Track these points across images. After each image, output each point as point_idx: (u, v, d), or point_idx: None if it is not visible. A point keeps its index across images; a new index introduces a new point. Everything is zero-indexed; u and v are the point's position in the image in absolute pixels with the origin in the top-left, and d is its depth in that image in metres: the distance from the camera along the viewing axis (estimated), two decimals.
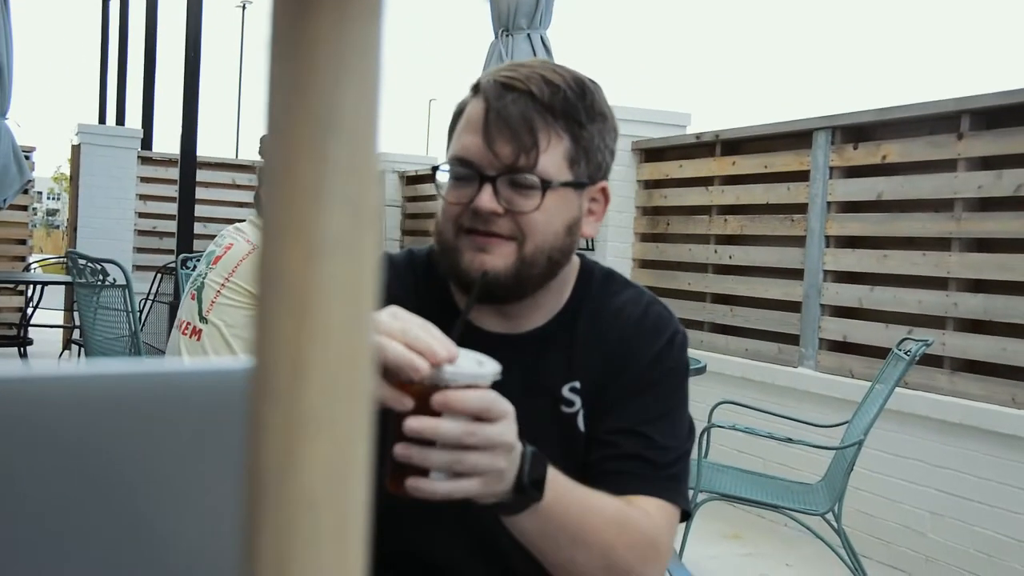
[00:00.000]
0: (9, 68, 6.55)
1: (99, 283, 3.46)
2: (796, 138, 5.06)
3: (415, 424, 0.97)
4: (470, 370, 0.99)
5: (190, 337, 3.03)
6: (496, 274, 1.25)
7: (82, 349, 6.71)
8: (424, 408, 0.97)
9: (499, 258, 1.26)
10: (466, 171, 1.27)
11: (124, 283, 3.16)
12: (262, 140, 2.63)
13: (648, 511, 1.25)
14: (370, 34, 0.32)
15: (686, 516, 1.35)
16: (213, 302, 2.99)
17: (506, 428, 1.03)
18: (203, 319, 3.02)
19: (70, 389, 0.48)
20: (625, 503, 1.25)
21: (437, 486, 0.99)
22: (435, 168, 1.33)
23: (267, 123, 0.32)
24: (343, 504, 0.32)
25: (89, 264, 3.51)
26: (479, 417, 1.00)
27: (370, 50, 0.32)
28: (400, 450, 0.98)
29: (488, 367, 1.02)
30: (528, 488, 1.07)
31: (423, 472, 0.99)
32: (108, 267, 3.51)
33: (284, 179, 0.31)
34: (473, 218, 1.26)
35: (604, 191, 1.36)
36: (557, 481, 1.13)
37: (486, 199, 1.24)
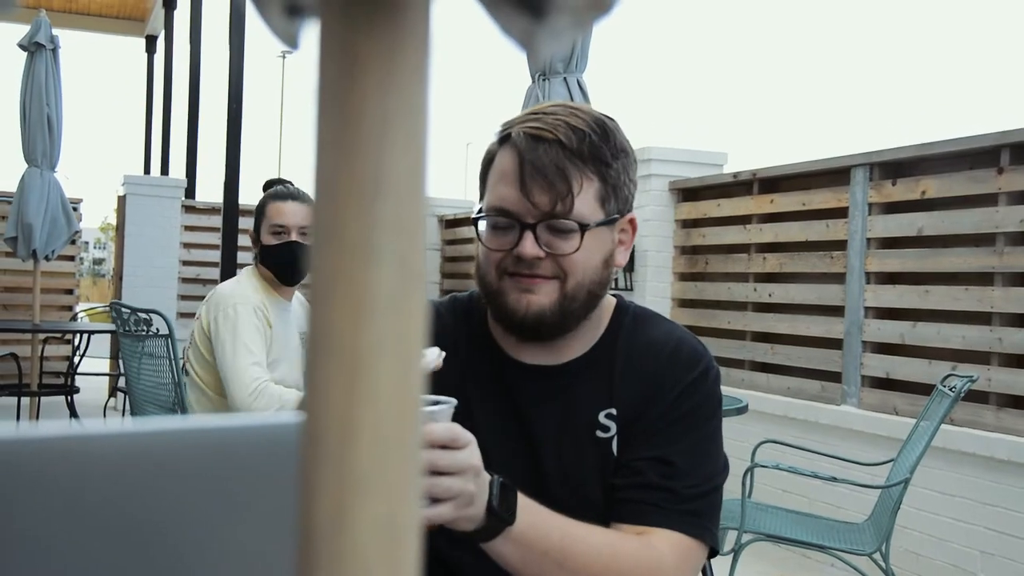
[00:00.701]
0: (58, 123, 6.69)
1: (143, 333, 3.50)
2: (834, 175, 5.03)
3: None
4: (429, 407, 1.09)
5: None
6: (542, 311, 1.32)
7: (126, 396, 6.78)
8: None
9: (544, 296, 1.32)
10: (506, 220, 1.33)
11: (167, 332, 3.19)
12: (264, 187, 2.63)
13: (654, 543, 1.27)
14: (416, 94, 0.32)
15: (715, 553, 1.37)
16: (187, 349, 3.05)
17: (471, 453, 1.10)
18: (184, 370, 3.07)
19: (114, 447, 0.48)
20: (622, 534, 1.28)
21: None
22: (475, 218, 1.38)
23: (315, 183, 0.32)
24: (395, 562, 0.32)
25: (133, 314, 3.56)
26: (446, 446, 1.08)
27: (416, 110, 0.32)
28: None
29: (445, 399, 1.12)
30: (499, 511, 1.14)
31: None
32: (151, 316, 3.55)
33: (332, 239, 0.32)
34: (516, 263, 1.32)
35: (632, 222, 1.42)
36: (532, 509, 1.19)
37: (528, 246, 1.30)
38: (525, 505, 1.17)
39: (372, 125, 0.32)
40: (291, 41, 0.38)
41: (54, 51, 6.67)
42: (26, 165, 6.71)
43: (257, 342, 2.87)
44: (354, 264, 0.31)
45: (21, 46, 6.63)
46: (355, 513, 0.31)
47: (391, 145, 0.32)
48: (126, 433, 0.50)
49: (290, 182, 3.11)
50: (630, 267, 6.09)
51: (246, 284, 3.00)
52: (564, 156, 1.30)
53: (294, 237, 2.95)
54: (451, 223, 9.20)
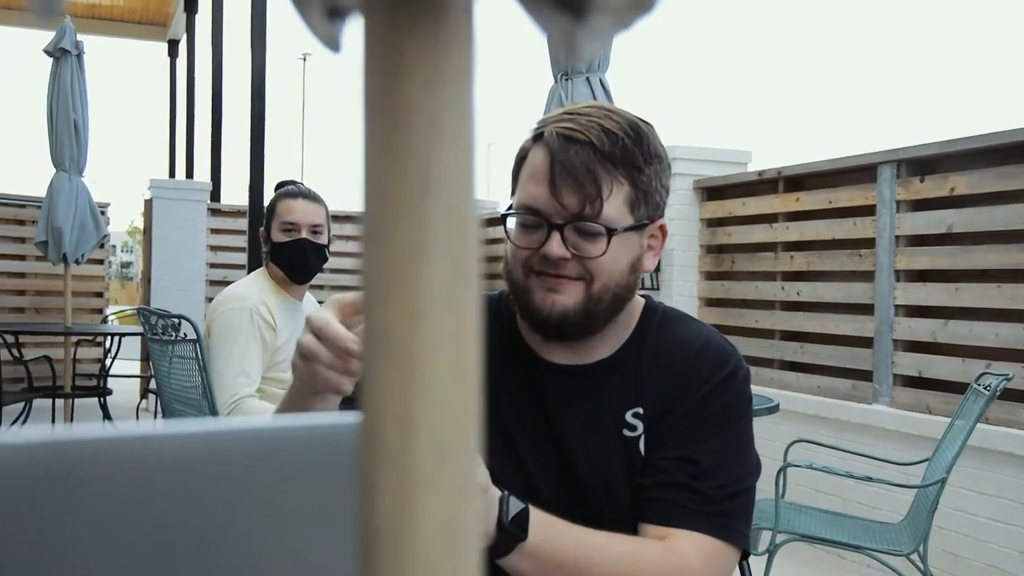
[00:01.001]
0: (85, 128, 6.74)
1: (171, 337, 3.52)
2: (860, 172, 5.00)
3: None
4: None
5: None
6: (566, 311, 1.32)
7: (157, 398, 6.84)
8: None
9: (568, 297, 1.32)
10: (534, 219, 1.32)
11: (195, 337, 3.21)
12: (276, 188, 2.60)
13: (677, 547, 1.26)
14: (462, 93, 0.32)
15: (747, 555, 1.35)
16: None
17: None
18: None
19: (155, 448, 0.48)
20: (644, 541, 1.27)
21: None
22: (504, 215, 1.38)
23: (363, 184, 0.32)
24: (458, 562, 0.32)
25: (161, 319, 3.58)
26: None
27: (463, 109, 0.32)
28: None
29: None
30: (510, 527, 1.13)
31: None
32: (180, 320, 3.58)
33: (384, 239, 0.32)
34: (543, 262, 1.32)
35: (662, 228, 1.41)
36: (546, 522, 1.18)
37: (555, 246, 1.30)
38: (539, 519, 1.17)
39: (420, 125, 0.32)
40: (332, 44, 0.38)
41: (79, 56, 6.72)
42: (54, 170, 6.77)
43: (252, 350, 2.85)
44: (406, 264, 0.31)
45: (47, 52, 6.69)
46: (416, 514, 0.31)
47: (439, 144, 0.32)
48: (168, 435, 0.50)
49: (301, 183, 3.13)
50: (656, 267, 6.09)
51: (253, 285, 3.00)
52: (595, 159, 1.29)
53: (304, 235, 2.96)
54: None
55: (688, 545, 1.26)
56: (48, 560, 0.45)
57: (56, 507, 0.45)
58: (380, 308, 0.32)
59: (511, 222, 1.37)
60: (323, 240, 3.01)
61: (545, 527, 1.17)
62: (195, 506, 0.50)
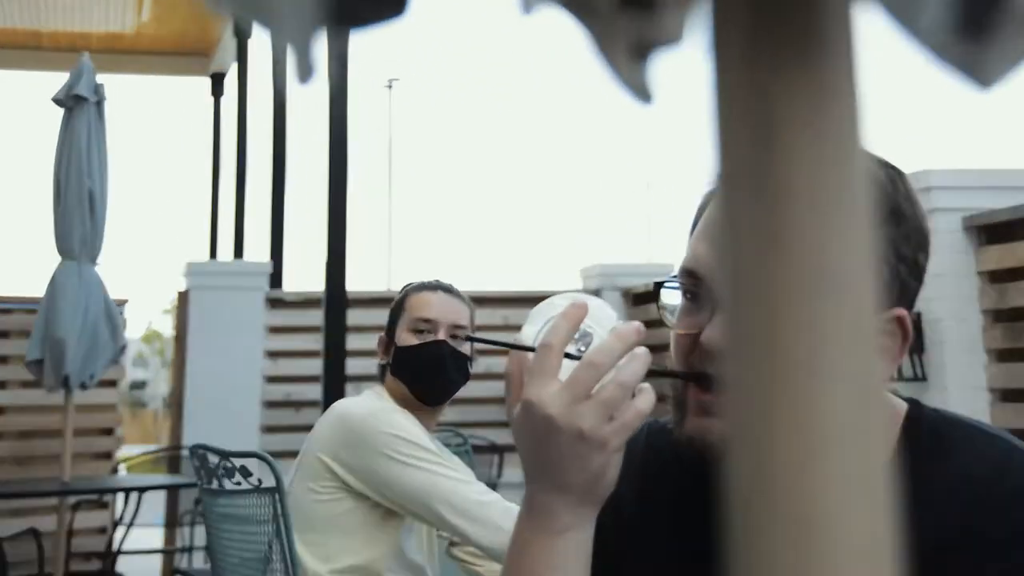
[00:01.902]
0: (102, 199, 6.58)
1: (237, 487, 3.40)
2: None
3: None
4: None
5: None
6: (714, 446, 1.24)
7: None
8: None
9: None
10: (698, 289, 1.30)
11: (274, 485, 3.15)
12: (405, 289, 2.64)
13: None
14: (853, 161, 0.35)
15: None
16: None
17: None
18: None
19: None
20: None
21: None
22: (658, 284, 1.36)
23: (733, 280, 0.35)
24: None
25: (223, 461, 3.43)
26: None
27: (855, 182, 0.35)
28: None
29: None
30: None
31: None
32: (247, 463, 3.44)
33: (767, 353, 0.34)
34: (704, 358, 1.26)
35: (901, 320, 1.31)
36: None
37: (716, 331, 1.20)
38: None
39: (805, 206, 0.34)
40: (643, 93, 0.41)
41: (98, 104, 6.68)
42: (59, 258, 6.66)
43: (435, 448, 2.85)
44: (798, 385, 0.34)
45: (57, 101, 6.61)
46: None
47: (832, 230, 0.34)
48: None
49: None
50: (919, 347, 5.94)
51: (375, 401, 2.99)
52: None
53: (442, 336, 2.97)
54: (639, 298, 9.20)
55: None
56: None
57: None
58: (763, 442, 0.34)
59: (669, 297, 1.34)
60: (466, 350, 3.02)
61: None
62: None
